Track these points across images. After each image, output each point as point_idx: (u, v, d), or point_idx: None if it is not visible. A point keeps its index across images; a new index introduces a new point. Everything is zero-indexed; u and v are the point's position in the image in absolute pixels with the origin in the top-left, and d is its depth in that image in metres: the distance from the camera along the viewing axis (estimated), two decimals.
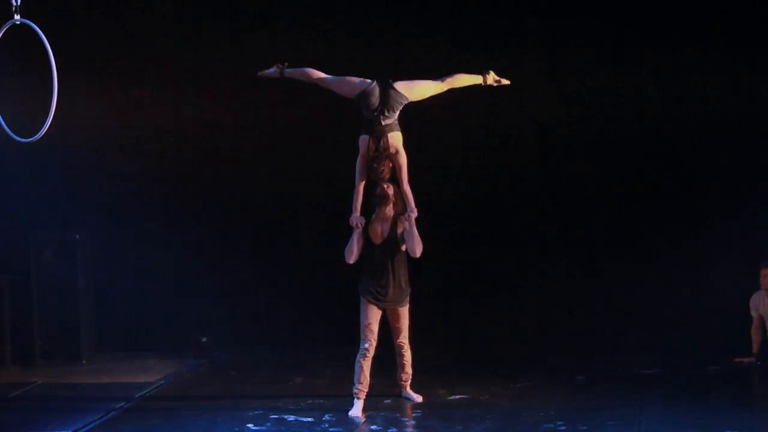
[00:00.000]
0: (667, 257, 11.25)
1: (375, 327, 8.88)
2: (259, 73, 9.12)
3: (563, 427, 8.11)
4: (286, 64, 9.03)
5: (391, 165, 8.72)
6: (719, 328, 10.73)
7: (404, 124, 8.81)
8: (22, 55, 9.45)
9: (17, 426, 8.83)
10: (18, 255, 11.35)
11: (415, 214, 8.74)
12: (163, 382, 10.35)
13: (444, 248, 11.04)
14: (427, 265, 9.59)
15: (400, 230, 8.84)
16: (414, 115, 9.08)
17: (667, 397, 9.10)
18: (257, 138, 11.70)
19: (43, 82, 7.62)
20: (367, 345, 8.85)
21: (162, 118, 11.72)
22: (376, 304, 8.88)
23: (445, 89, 9.00)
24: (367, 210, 8.89)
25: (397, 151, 8.70)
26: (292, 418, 8.68)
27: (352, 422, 8.57)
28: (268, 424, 8.52)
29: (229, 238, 11.77)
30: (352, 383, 8.86)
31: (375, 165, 8.70)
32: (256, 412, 8.84)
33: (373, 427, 8.43)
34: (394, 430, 8.36)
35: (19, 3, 7.16)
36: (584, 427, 8.11)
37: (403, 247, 8.87)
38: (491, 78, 9.10)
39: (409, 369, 9.13)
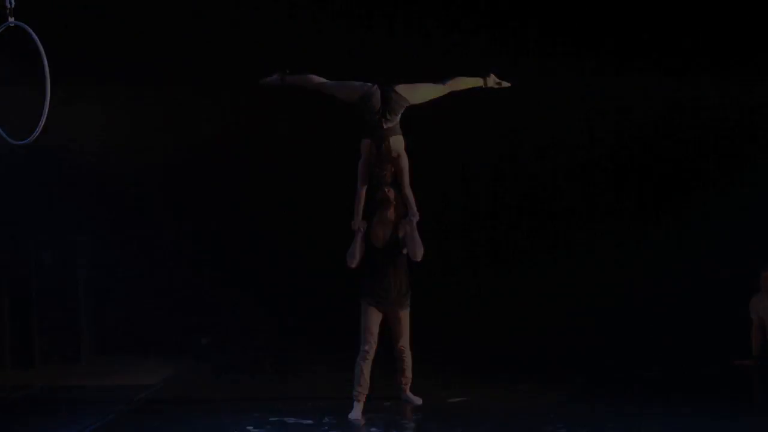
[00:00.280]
0: (667, 259, 11.26)
1: (375, 330, 8.87)
2: (261, 81, 9.08)
3: (563, 430, 8.11)
4: (288, 71, 9.02)
5: (392, 169, 8.71)
6: (718, 331, 10.74)
7: (405, 127, 8.82)
8: (16, 59, 9.44)
9: (17, 429, 8.82)
10: (18, 258, 11.35)
11: (416, 217, 8.72)
12: (162, 384, 10.35)
13: (445, 252, 11.05)
14: (427, 269, 9.58)
15: (401, 234, 8.84)
16: (415, 118, 9.09)
17: (666, 400, 9.12)
18: (259, 143, 11.70)
19: (38, 85, 7.61)
20: (367, 348, 8.84)
21: (161, 122, 11.72)
22: (376, 308, 8.88)
23: (447, 92, 8.99)
24: (369, 214, 8.89)
25: (398, 155, 8.67)
26: (291, 420, 8.67)
27: (351, 425, 8.56)
28: (268, 426, 8.50)
29: (228, 241, 11.78)
30: (352, 386, 8.87)
31: (376, 169, 8.68)
32: (256, 415, 8.83)
33: (372, 429, 8.42)
34: None
35: (12, 5, 7.14)
36: (584, 430, 8.11)
37: (404, 251, 8.88)
38: (492, 80, 9.10)
39: (409, 373, 9.12)
